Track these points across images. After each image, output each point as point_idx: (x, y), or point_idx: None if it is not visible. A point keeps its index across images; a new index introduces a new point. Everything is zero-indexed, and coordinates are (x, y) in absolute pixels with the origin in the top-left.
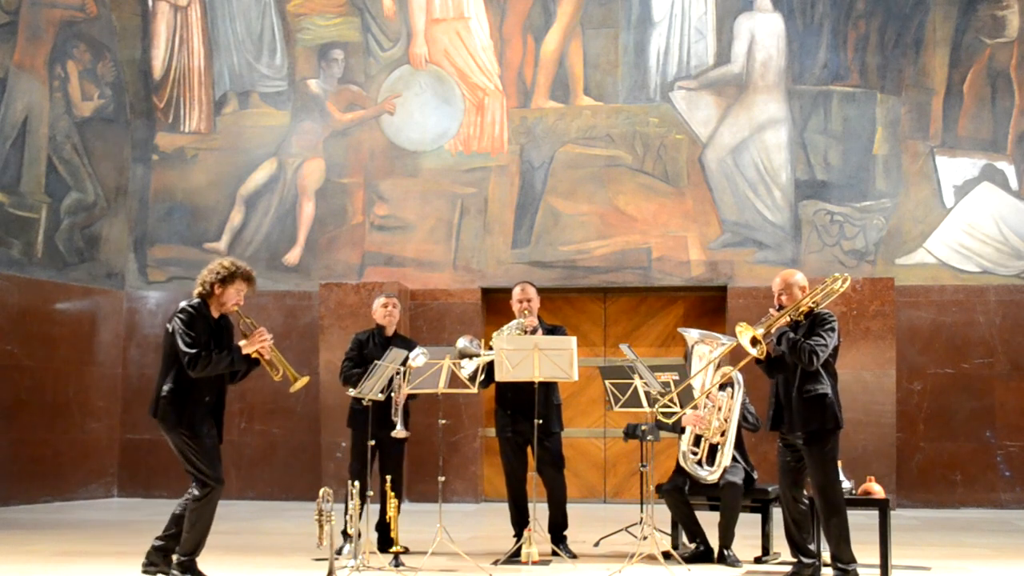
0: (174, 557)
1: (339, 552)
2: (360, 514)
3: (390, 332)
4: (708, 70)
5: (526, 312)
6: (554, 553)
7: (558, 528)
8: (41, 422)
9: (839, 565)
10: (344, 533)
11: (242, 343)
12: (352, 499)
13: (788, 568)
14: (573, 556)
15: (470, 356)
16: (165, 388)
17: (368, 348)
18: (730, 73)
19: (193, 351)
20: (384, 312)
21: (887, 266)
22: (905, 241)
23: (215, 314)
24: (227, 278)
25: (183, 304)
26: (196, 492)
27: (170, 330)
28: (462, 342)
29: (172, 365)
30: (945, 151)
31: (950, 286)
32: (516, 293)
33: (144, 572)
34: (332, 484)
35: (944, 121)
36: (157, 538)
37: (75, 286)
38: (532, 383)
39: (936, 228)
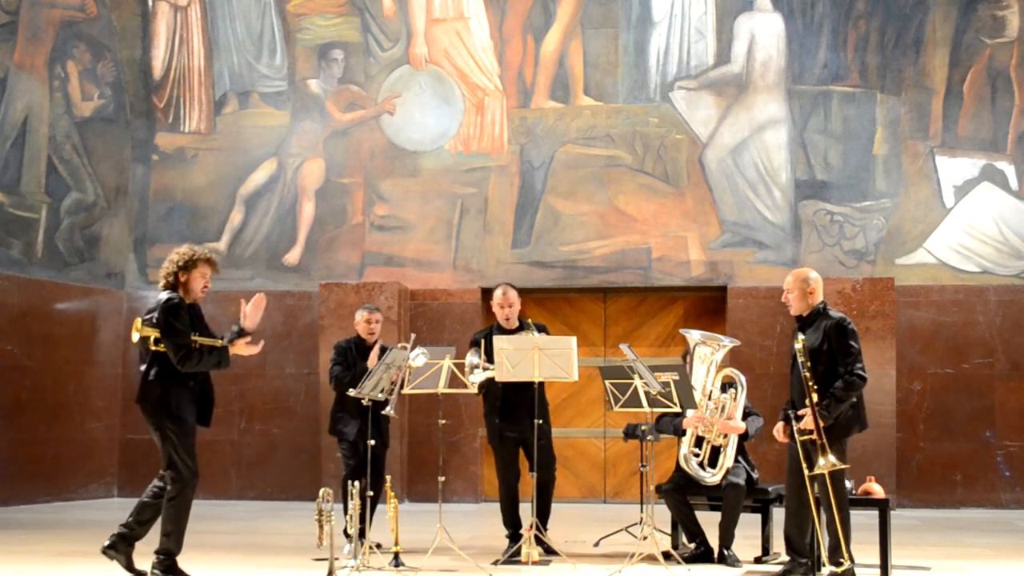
0: (154, 556)
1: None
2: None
3: (370, 343)
4: (708, 70)
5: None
6: (539, 542)
7: (544, 520)
8: (41, 422)
9: (839, 560)
10: (345, 533)
11: (233, 340)
12: (352, 499)
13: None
14: (554, 552)
15: (483, 368)
16: (152, 372)
17: (350, 356)
18: (730, 73)
19: (184, 348)
20: (367, 328)
21: (887, 266)
22: (905, 241)
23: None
24: (188, 264)
25: (165, 296)
26: (170, 489)
27: (154, 322)
28: (472, 359)
29: (156, 353)
30: (945, 151)
31: (950, 286)
32: (497, 296)
33: (103, 553)
34: (332, 484)
35: (944, 121)
36: (123, 524)
37: (75, 286)
38: (529, 384)
39: (936, 228)
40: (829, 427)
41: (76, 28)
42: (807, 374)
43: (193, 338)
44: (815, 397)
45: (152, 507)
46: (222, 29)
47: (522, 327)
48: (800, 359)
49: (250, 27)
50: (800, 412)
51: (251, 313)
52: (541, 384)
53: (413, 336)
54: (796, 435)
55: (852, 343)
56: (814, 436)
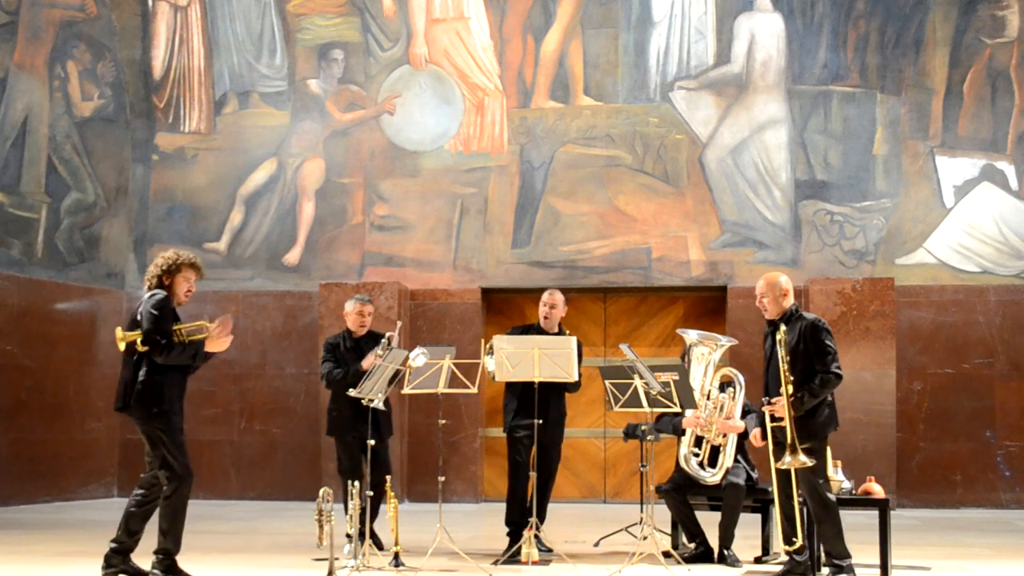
0: (153, 556)
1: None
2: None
3: (360, 335)
4: (708, 70)
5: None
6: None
7: (541, 518)
8: (41, 422)
9: (834, 561)
10: (346, 534)
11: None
12: (352, 499)
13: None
14: (549, 550)
15: None
16: (141, 375)
17: (340, 351)
18: (730, 73)
19: (166, 339)
20: (359, 320)
21: (887, 266)
22: (905, 241)
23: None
24: (172, 268)
25: (153, 293)
26: (165, 488)
27: (139, 319)
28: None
29: (143, 356)
30: (945, 151)
31: (950, 286)
32: (544, 296)
33: (104, 574)
34: (332, 484)
35: (944, 121)
36: (113, 540)
37: (75, 286)
38: (550, 384)
39: (936, 228)
40: (806, 426)
41: (76, 28)
42: (785, 366)
43: (177, 327)
44: (791, 388)
45: (139, 516)
46: (222, 29)
47: (560, 335)
48: (780, 351)
49: (250, 27)
50: (773, 400)
51: (219, 333)
52: (562, 390)
53: (399, 324)
54: (767, 420)
55: (828, 342)
56: (783, 423)
